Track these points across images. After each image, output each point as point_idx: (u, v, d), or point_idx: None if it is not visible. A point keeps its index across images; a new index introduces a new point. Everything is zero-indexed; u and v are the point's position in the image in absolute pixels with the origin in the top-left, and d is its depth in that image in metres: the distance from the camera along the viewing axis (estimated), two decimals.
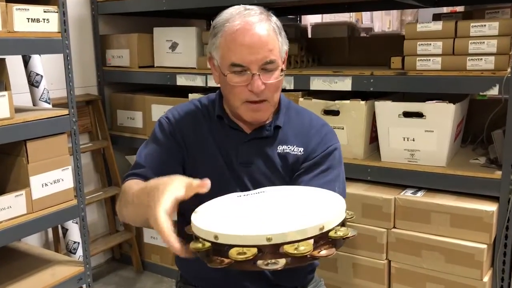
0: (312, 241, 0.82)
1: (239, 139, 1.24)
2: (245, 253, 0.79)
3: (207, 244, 0.83)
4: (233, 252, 0.79)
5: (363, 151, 2.10)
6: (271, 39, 1.15)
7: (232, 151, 1.23)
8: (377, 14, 6.85)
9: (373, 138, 2.17)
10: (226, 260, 0.81)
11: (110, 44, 2.83)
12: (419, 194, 1.95)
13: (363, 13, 6.37)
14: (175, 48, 2.68)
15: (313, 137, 1.25)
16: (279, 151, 1.24)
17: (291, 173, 1.23)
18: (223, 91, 1.24)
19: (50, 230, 2.65)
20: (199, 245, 0.84)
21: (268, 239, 0.79)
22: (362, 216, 2.00)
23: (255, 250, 0.79)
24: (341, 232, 0.85)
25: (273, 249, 0.79)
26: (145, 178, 1.15)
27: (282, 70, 1.18)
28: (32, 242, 2.53)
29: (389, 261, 1.98)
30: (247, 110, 1.18)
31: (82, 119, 2.77)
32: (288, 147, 1.24)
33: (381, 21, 6.83)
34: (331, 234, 0.83)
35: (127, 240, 2.90)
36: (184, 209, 1.27)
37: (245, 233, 0.81)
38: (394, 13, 7.39)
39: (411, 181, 1.99)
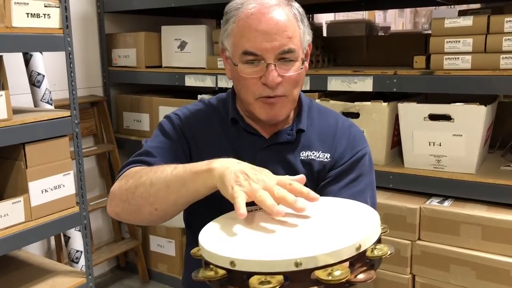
0: (347, 264, 0.69)
1: (257, 145, 1.10)
2: (269, 282, 0.65)
3: (221, 272, 0.70)
4: (253, 281, 0.66)
5: (384, 156, 1.96)
6: (291, 25, 1.00)
7: (249, 158, 1.10)
8: (390, 16, 6.72)
9: (395, 142, 2.03)
10: None
11: (116, 43, 2.72)
12: (446, 203, 1.81)
13: (376, 14, 6.23)
14: (184, 47, 2.56)
15: (340, 141, 1.11)
16: (303, 157, 1.09)
17: (316, 182, 1.09)
18: (235, 87, 1.10)
19: (52, 238, 2.54)
20: (211, 273, 0.70)
21: (297, 264, 0.65)
22: None
23: (280, 278, 0.66)
24: (379, 250, 0.71)
25: (302, 276, 0.66)
26: None
27: (303, 62, 1.04)
28: (33, 251, 2.41)
29: (414, 276, 1.84)
30: (261, 106, 1.04)
31: (86, 121, 2.66)
32: (313, 153, 1.09)
33: (394, 23, 6.69)
34: (369, 254, 0.71)
35: (132, 248, 2.78)
36: (193, 226, 1.12)
37: (268, 257, 0.67)
38: (408, 15, 7.25)
39: (437, 189, 1.85)
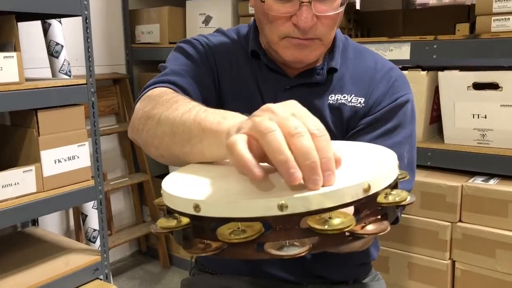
0: (352, 209, 0.50)
1: (279, 85, 0.94)
2: (243, 232, 0.47)
3: (185, 220, 0.51)
4: (223, 231, 0.48)
5: (422, 131, 1.79)
6: None
7: (269, 100, 0.95)
8: None
9: (434, 117, 1.85)
10: (214, 244, 0.49)
11: (140, 19, 2.63)
12: (492, 182, 1.62)
13: None
14: (209, 22, 2.45)
15: (378, 84, 0.93)
16: (331, 101, 0.93)
17: (345, 131, 0.93)
18: (258, 22, 0.94)
19: (71, 217, 2.47)
20: (173, 222, 0.52)
21: (282, 207, 0.47)
22: (420, 207, 1.69)
23: (259, 226, 0.48)
24: (396, 196, 0.51)
25: (289, 223, 0.48)
26: (183, 90, 0.86)
27: (343, 2, 0.86)
28: (51, 229, 2.35)
29: (453, 262, 1.66)
30: (286, 46, 0.87)
31: (108, 100, 2.58)
32: (344, 97, 0.93)
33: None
34: (381, 199, 0.51)
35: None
36: None
37: (242, 199, 0.49)
38: None
39: (481, 166, 1.66)
